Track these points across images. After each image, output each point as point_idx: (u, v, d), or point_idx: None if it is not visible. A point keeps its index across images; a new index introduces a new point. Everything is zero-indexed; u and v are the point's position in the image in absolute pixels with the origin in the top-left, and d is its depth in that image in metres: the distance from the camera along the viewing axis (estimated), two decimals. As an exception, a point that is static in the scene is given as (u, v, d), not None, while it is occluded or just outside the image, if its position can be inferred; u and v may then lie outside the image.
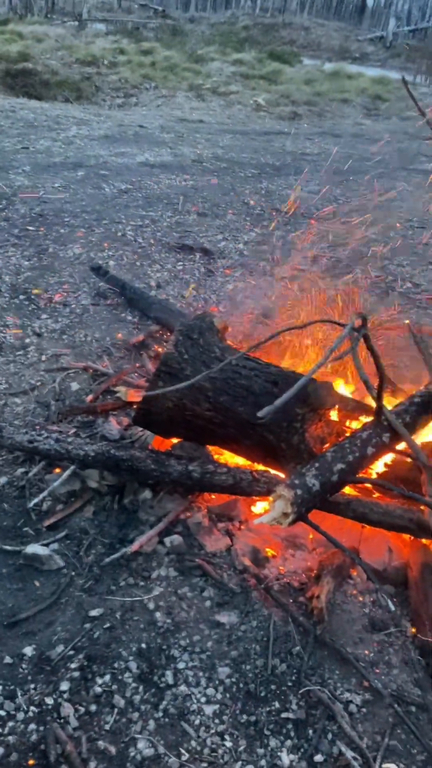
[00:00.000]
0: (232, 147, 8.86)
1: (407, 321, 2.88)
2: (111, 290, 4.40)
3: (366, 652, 2.21)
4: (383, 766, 1.87)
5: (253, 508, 2.74)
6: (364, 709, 2.03)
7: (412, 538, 2.51)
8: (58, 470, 2.84)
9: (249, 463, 2.73)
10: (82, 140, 8.40)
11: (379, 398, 2.24)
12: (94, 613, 2.27)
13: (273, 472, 2.59)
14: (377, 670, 2.15)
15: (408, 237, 6.12)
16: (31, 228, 5.31)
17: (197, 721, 1.96)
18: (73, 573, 2.43)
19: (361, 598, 2.39)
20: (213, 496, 2.78)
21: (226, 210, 6.24)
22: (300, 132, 10.57)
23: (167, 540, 2.54)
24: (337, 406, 2.56)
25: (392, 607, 2.30)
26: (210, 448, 2.84)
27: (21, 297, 4.27)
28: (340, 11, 39.28)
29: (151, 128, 9.51)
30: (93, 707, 1.97)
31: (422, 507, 2.35)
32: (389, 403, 2.53)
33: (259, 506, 2.74)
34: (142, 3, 31.23)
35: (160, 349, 3.82)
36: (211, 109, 11.64)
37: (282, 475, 2.52)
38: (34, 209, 5.70)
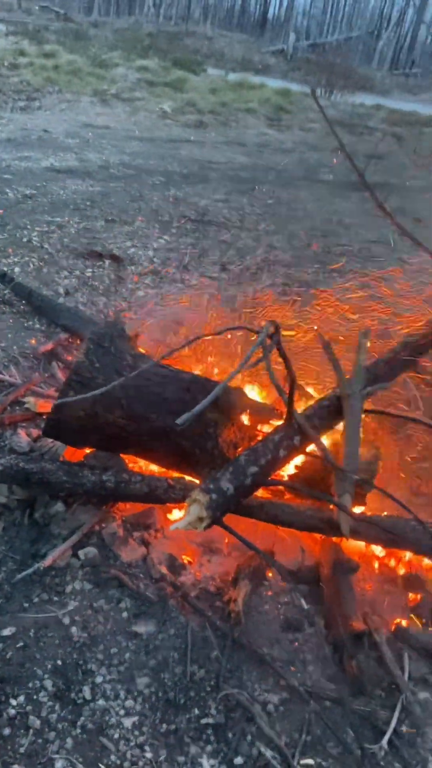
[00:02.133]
0: (139, 153, 8.83)
1: (315, 327, 2.98)
2: (17, 298, 4.27)
3: (282, 651, 2.25)
4: (301, 762, 1.91)
5: (169, 516, 2.74)
6: (281, 708, 2.07)
7: (323, 537, 2.58)
8: (-36, 486, 2.72)
9: (164, 470, 2.72)
10: (-18, 143, 8.13)
11: (290, 402, 2.30)
12: (5, 632, 2.19)
13: (188, 478, 2.59)
14: (293, 669, 2.20)
15: (312, 245, 6.31)
16: None
17: (116, 735, 1.93)
18: (-18, 592, 2.33)
19: (277, 599, 2.44)
20: (128, 506, 2.76)
21: (134, 217, 6.21)
22: (206, 140, 10.69)
23: (81, 553, 2.49)
24: (248, 411, 2.61)
25: (305, 606, 2.36)
26: (124, 456, 2.81)
27: None
28: (243, 23, 40.25)
29: (56, 133, 9.32)
30: (6, 731, 1.90)
31: (332, 507, 2.43)
32: (299, 406, 2.59)
33: (176, 513, 2.74)
34: (43, 5, 30.59)
35: (70, 358, 3.74)
36: (116, 115, 11.55)
37: (197, 481, 2.53)
38: None
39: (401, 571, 2.60)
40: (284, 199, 7.75)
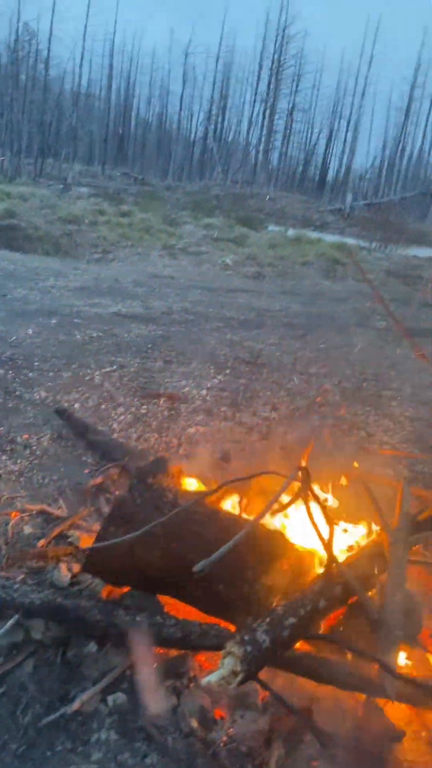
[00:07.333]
0: (199, 301, 9.42)
1: (356, 464, 2.98)
2: (73, 432, 4.46)
3: None
4: None
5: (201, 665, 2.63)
6: None
7: (366, 697, 2.41)
8: (1, 619, 2.71)
9: (200, 614, 2.66)
10: (58, 290, 8.87)
11: (329, 549, 2.26)
12: (25, 782, 2.09)
13: (223, 624, 2.52)
14: None
15: (362, 389, 6.41)
16: (-1, 371, 5.46)
17: None
18: (6, 736, 2.25)
19: (315, 763, 2.25)
20: (161, 649, 2.67)
21: (191, 358, 6.52)
22: (263, 290, 11.33)
23: (110, 698, 2.40)
24: (287, 555, 2.56)
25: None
26: (162, 598, 2.77)
27: (-18, 438, 4.30)
28: (303, 186, 43.93)
29: (125, 282, 10.11)
30: None
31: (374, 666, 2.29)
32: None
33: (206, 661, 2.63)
34: (124, 171, 34.46)
35: (117, 492, 3.81)
36: (182, 267, 12.49)
37: (232, 628, 2.46)
38: (4, 353, 5.89)
39: (452, 744, 2.37)
40: (336, 344, 8.00)
